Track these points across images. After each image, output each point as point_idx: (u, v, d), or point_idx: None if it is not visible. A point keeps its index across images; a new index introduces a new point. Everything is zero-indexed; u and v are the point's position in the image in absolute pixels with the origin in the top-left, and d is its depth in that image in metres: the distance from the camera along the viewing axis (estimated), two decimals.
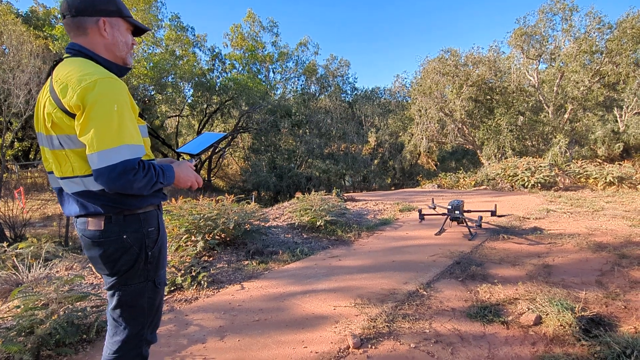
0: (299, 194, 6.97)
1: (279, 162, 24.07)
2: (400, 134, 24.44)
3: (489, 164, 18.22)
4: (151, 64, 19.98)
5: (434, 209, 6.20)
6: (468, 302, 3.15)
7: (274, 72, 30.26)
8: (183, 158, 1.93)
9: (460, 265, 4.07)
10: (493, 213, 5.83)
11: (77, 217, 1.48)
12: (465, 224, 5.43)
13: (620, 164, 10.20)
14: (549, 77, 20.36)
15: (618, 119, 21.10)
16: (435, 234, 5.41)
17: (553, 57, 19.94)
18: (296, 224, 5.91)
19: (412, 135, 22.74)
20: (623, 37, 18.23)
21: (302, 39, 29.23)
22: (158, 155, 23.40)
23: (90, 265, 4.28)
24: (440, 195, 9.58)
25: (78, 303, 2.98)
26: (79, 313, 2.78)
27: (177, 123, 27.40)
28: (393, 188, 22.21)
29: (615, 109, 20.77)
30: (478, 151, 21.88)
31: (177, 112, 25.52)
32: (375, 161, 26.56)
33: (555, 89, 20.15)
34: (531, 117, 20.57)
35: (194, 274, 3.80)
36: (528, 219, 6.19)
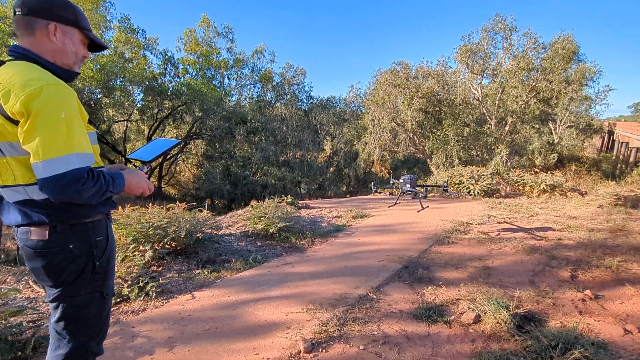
0: (254, 202, 6.92)
1: (233, 169, 23.66)
2: (354, 143, 24.99)
3: (438, 172, 19.10)
4: (98, 66, 18.97)
5: (392, 185, 6.85)
6: (415, 304, 3.30)
7: (229, 79, 29.86)
8: (134, 165, 1.89)
9: (409, 269, 4.24)
10: (445, 189, 6.71)
11: (18, 226, 1.41)
12: (417, 197, 5.91)
13: (552, 173, 11.13)
14: (492, 91, 21.80)
15: (552, 132, 22.99)
16: (389, 207, 5.68)
17: (495, 72, 21.41)
18: (250, 231, 5.87)
19: (366, 144, 23.33)
20: (555, 56, 20.02)
21: (258, 47, 29.15)
22: (105, 162, 22.19)
23: (27, 278, 3.98)
24: (392, 201, 9.90)
25: (13, 318, 2.77)
26: (14, 329, 2.59)
27: (125, 128, 26.12)
28: (348, 195, 22.59)
29: (550, 122, 22.61)
30: (428, 160, 22.86)
31: (125, 116, 24.34)
32: (331, 169, 26.91)
33: (497, 102, 21.61)
34: (476, 128, 21.87)
35: (141, 284, 3.66)
36: (471, 224, 6.58)
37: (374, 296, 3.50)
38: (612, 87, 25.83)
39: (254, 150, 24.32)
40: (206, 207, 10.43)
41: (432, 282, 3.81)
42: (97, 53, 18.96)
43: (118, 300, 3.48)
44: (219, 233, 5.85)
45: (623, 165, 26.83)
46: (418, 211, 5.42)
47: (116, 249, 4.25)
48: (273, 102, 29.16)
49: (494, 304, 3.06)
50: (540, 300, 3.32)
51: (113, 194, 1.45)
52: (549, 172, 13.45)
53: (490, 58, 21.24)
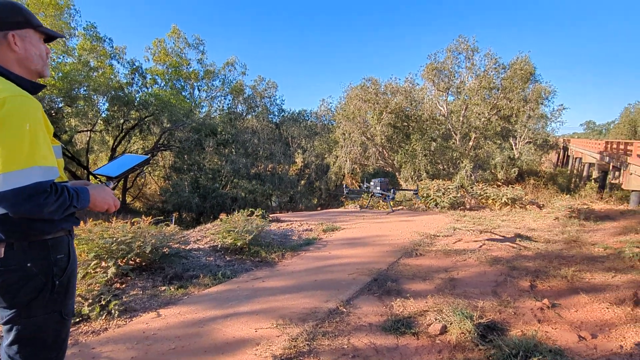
0: (223, 216, 6.81)
1: (202, 181, 23.22)
2: (326, 156, 25.22)
3: (407, 185, 19.56)
4: (60, 74, 18.27)
5: (347, 193, 7.31)
6: (384, 317, 3.35)
7: (199, 90, 29.52)
8: (100, 181, 1.84)
9: (378, 282, 4.31)
10: (415, 192, 7.02)
11: None
12: (387, 200, 6.17)
13: (513, 187, 11.66)
14: (457, 108, 22.71)
15: (513, 147, 24.16)
16: (361, 207, 5.82)
17: (459, 90, 22.36)
18: (219, 246, 5.77)
19: (337, 157, 23.59)
20: (514, 76, 21.18)
21: (230, 59, 29.08)
22: (68, 176, 21.20)
23: None
24: (361, 215, 10.04)
25: None
26: None
27: (88, 138, 25.15)
28: (319, 208, 22.65)
29: (511, 138, 23.76)
30: (397, 173, 23.37)
31: (89, 126, 23.47)
32: (302, 182, 26.97)
33: (461, 118, 22.51)
34: (442, 143, 22.63)
35: (103, 302, 3.51)
36: (438, 236, 6.77)
37: (344, 310, 3.52)
38: (565, 106, 27.64)
39: (224, 163, 24.02)
40: (173, 220, 10.16)
41: (401, 294, 3.88)
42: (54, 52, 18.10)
43: (77, 320, 3.31)
44: (187, 248, 5.71)
45: (577, 179, 28.52)
46: (387, 213, 5.60)
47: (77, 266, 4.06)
48: (244, 115, 29.04)
49: (459, 314, 3.16)
50: (502, 309, 3.46)
51: (77, 209, 1.42)
52: (510, 185, 14.08)
53: (454, 76, 22.18)
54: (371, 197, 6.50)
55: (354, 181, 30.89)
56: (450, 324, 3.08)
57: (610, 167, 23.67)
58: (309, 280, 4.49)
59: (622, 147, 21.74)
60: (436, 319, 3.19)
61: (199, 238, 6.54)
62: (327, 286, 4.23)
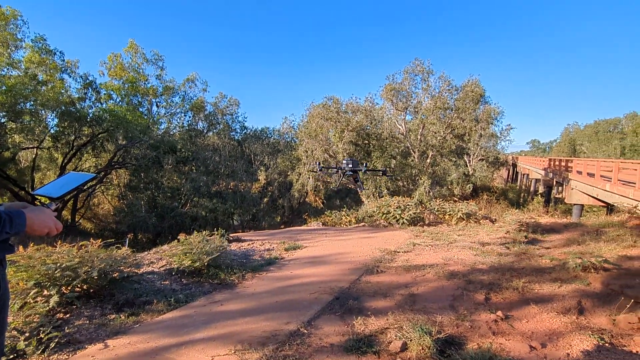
0: (182, 236, 6.55)
1: (160, 200, 22.36)
2: (289, 173, 25.19)
3: (368, 202, 19.86)
4: (4, 88, 17.13)
5: (321, 170, 7.38)
6: (345, 336, 3.32)
7: (157, 106, 28.72)
8: (40, 202, 1.71)
9: (339, 301, 4.28)
10: (384, 172, 7.30)
11: None
12: (358, 181, 6.29)
13: (468, 202, 12.17)
14: (414, 126, 23.61)
15: (467, 164, 25.34)
16: (333, 187, 5.79)
17: (416, 110, 23.30)
18: (175, 268, 5.52)
19: (300, 174, 23.62)
20: (466, 98, 22.39)
21: (190, 75, 28.65)
22: (7, 197, 19.68)
23: None
24: (324, 232, 10.04)
25: None
26: None
27: (34, 156, 23.57)
28: (283, 226, 22.43)
29: (465, 155, 24.92)
30: (359, 190, 23.71)
31: (35, 143, 22.04)
32: (265, 199, 26.67)
33: (419, 137, 23.38)
34: (402, 160, 23.33)
35: (42, 336, 3.22)
36: (398, 252, 6.88)
37: (305, 331, 3.46)
38: (512, 125, 29.56)
39: (184, 181, 23.32)
40: (127, 242, 9.65)
41: (362, 313, 3.88)
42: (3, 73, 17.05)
43: (11, 357, 3.02)
44: (140, 272, 5.42)
45: (525, 194, 30.27)
46: (361, 193, 5.84)
47: (13, 296, 3.73)
48: (205, 132, 28.52)
49: (418, 330, 3.19)
50: (459, 323, 3.54)
51: (10, 235, 1.31)
52: (465, 201, 14.68)
53: (412, 97, 23.11)
54: (342, 175, 6.62)
55: (317, 198, 31.00)
56: (411, 340, 3.11)
57: (554, 183, 25.36)
58: (270, 301, 4.39)
59: (563, 164, 23.45)
60: (396, 336, 3.21)
61: (154, 260, 6.23)
62: (288, 307, 4.14)
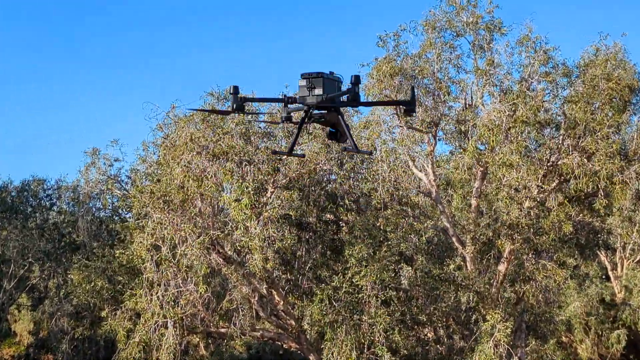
0: None
1: None
2: (104, 312, 9.74)
3: None
4: None
5: None
6: None
7: None
8: None
9: None
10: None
11: None
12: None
13: None
14: (459, 174, 9.04)
15: (609, 273, 10.29)
16: None
17: (462, 129, 8.76)
18: None
19: (138, 307, 8.24)
20: (594, 95, 8.32)
21: None
22: None
23: None
24: None
25: None
26: None
27: None
28: None
29: (602, 251, 9.91)
30: (311, 356, 8.27)
31: None
32: None
33: (473, 202, 8.47)
34: (427, 268, 8.37)
35: None
36: None
37: None
38: None
39: None
40: None
41: None
42: None
43: None
44: None
45: None
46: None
47: None
48: None
49: None
50: None
51: None
52: None
53: (446, 93, 8.78)
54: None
55: None
56: None
57: None
58: None
59: None
60: None
61: None
62: None
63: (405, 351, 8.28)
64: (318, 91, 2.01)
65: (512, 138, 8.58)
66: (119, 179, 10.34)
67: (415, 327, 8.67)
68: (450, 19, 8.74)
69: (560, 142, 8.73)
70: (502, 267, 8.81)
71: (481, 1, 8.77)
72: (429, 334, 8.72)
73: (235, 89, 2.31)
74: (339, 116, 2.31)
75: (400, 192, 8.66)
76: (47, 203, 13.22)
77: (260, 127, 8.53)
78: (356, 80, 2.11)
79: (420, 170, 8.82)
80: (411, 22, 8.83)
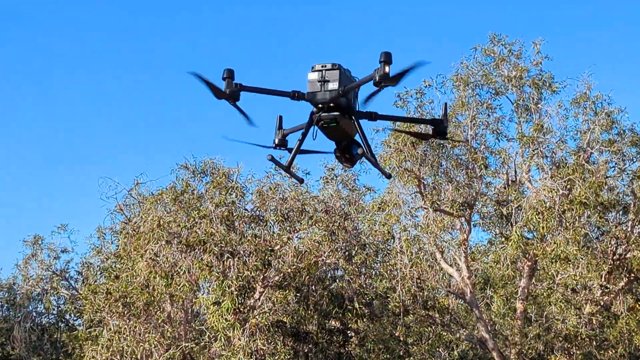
0: None
1: None
2: None
3: None
4: None
5: None
6: None
7: None
8: None
9: None
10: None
11: None
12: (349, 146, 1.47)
13: None
14: (501, 270, 7.11)
15: None
16: None
17: (505, 210, 6.91)
18: None
19: None
20: None
21: None
22: None
23: None
24: None
25: None
26: None
27: None
28: None
29: None
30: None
31: None
32: None
33: (519, 304, 6.52)
34: None
35: None
36: None
37: None
38: None
39: None
40: None
41: None
42: None
43: None
44: None
45: None
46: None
47: None
48: None
49: None
50: None
51: None
52: None
53: (486, 164, 6.88)
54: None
55: None
56: None
57: None
58: None
59: None
60: None
61: None
62: None
63: None
64: (332, 85, 1.83)
65: (568, 224, 6.96)
66: (67, 275, 8.56)
67: None
68: (488, 72, 7.17)
69: (629, 229, 7.04)
70: None
71: (526, 51, 7.19)
72: None
73: (230, 72, 1.95)
74: (354, 122, 2.04)
75: (426, 293, 6.94)
76: None
77: (246, 210, 6.79)
78: (386, 58, 1.57)
79: (451, 265, 7.12)
80: (438, 76, 7.25)
